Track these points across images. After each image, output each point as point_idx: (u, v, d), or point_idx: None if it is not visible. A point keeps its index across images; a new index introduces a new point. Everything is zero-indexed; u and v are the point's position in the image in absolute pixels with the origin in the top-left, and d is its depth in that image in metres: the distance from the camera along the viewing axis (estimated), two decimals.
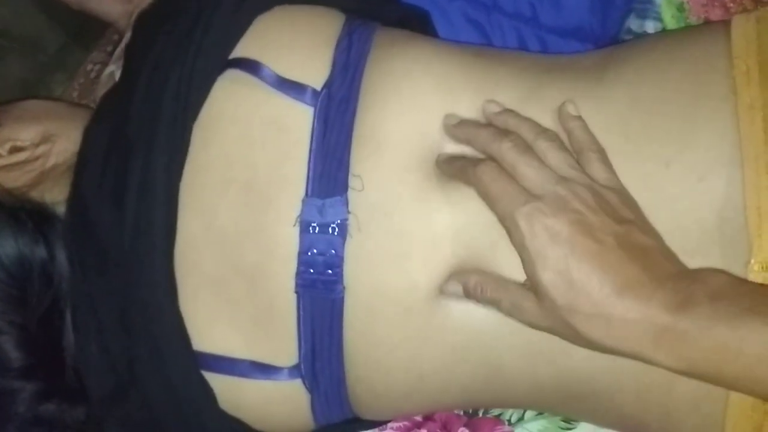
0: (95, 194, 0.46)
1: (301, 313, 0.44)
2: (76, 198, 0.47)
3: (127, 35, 0.61)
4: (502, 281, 0.41)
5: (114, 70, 0.61)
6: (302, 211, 0.43)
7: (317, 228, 0.43)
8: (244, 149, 0.44)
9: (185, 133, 0.45)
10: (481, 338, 0.43)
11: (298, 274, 0.43)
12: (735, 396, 0.39)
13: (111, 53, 0.78)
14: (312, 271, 0.43)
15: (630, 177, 0.41)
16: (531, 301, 0.38)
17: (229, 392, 0.46)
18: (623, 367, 0.40)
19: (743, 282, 0.37)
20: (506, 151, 0.40)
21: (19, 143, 0.50)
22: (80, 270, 0.46)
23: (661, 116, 0.42)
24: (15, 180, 0.49)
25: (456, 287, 0.42)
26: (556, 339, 0.38)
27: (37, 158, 0.50)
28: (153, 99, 0.45)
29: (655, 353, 0.35)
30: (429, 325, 0.43)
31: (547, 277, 0.36)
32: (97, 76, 0.76)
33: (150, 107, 0.45)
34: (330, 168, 0.43)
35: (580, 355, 0.40)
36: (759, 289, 0.36)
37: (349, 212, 0.43)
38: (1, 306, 0.46)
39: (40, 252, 0.47)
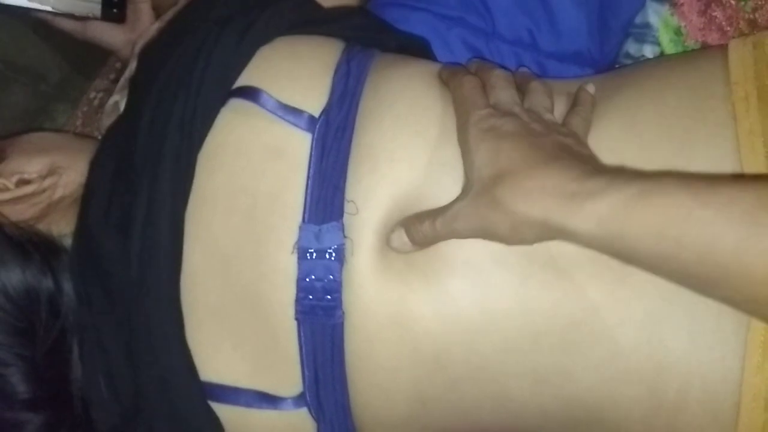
0: (101, 225, 0.46)
1: (303, 340, 0.44)
2: (82, 229, 0.48)
3: (131, 65, 0.62)
4: (433, 210, 0.42)
5: (118, 99, 0.61)
6: (299, 237, 0.43)
7: (315, 254, 0.43)
8: (246, 178, 0.45)
9: (190, 164, 0.45)
10: (485, 372, 0.43)
11: (298, 300, 0.43)
12: (744, 419, 0.39)
13: (114, 81, 0.79)
14: (311, 297, 0.43)
15: None
16: (459, 202, 0.40)
17: (236, 422, 0.46)
18: (630, 393, 0.40)
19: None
20: (496, 76, 0.45)
21: (26, 176, 0.50)
22: (87, 302, 0.47)
23: (658, 142, 0.42)
24: (22, 213, 0.49)
25: (401, 237, 0.42)
26: (562, 365, 0.38)
27: (44, 191, 0.50)
28: (157, 131, 0.45)
29: (567, 216, 0.35)
30: (428, 354, 0.43)
31: (480, 155, 0.40)
32: (101, 104, 0.77)
33: (155, 139, 0.45)
34: (326, 194, 0.44)
35: (587, 382, 0.41)
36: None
37: (345, 237, 0.43)
38: (8, 338, 0.46)
39: (48, 284, 0.47)
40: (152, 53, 0.52)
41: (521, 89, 0.46)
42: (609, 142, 0.43)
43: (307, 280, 0.43)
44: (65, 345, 0.47)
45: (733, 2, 0.55)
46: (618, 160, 0.42)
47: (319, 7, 0.54)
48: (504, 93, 0.44)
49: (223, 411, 0.45)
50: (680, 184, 0.33)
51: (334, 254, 0.43)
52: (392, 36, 0.56)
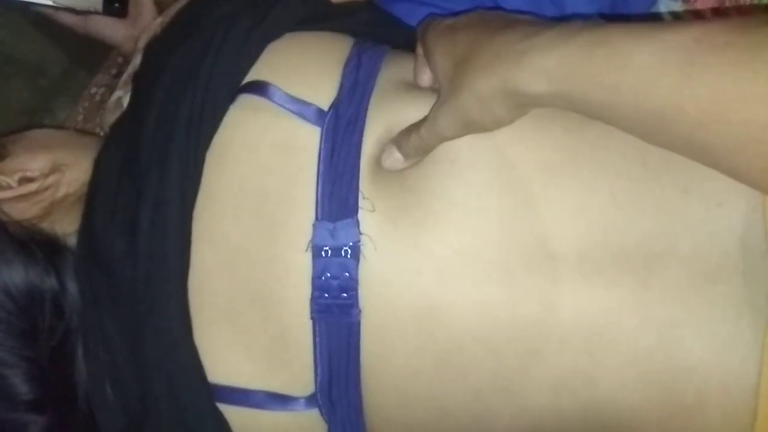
0: (107, 224, 0.45)
1: (318, 339, 0.43)
2: (87, 228, 0.47)
3: (135, 60, 0.61)
4: (417, 121, 0.42)
5: (121, 95, 0.60)
6: (313, 235, 0.43)
7: (330, 251, 0.42)
8: (255, 175, 0.44)
9: (198, 162, 0.44)
10: (508, 381, 0.42)
11: (313, 299, 0.43)
12: (761, 423, 0.39)
13: (115, 76, 0.78)
14: (327, 295, 0.42)
15: (648, 202, 0.41)
16: (436, 105, 0.41)
17: (245, 424, 0.45)
18: (647, 396, 0.40)
19: None
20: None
21: (28, 173, 0.50)
22: (92, 302, 0.46)
23: None
24: (25, 211, 0.48)
25: (393, 154, 0.42)
26: (581, 371, 0.38)
27: (47, 189, 0.49)
28: (165, 128, 0.45)
29: (519, 76, 0.36)
30: (451, 359, 0.42)
31: (439, 52, 0.41)
32: (102, 100, 0.76)
33: (162, 137, 0.45)
34: (339, 190, 0.43)
35: (604, 386, 0.40)
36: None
37: (361, 233, 0.42)
38: (11, 339, 0.45)
39: (51, 284, 0.46)
40: (158, 48, 0.51)
41: None
42: (631, 142, 0.42)
43: (323, 278, 0.42)
44: (69, 346, 0.47)
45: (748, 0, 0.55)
46: (639, 161, 0.42)
47: (328, 2, 0.53)
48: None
49: (232, 413, 0.45)
50: (623, 33, 0.33)
51: (350, 251, 0.42)
52: (401, 31, 0.55)
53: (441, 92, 0.41)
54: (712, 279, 0.40)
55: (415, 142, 0.41)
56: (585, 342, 0.41)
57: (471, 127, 0.40)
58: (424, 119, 0.41)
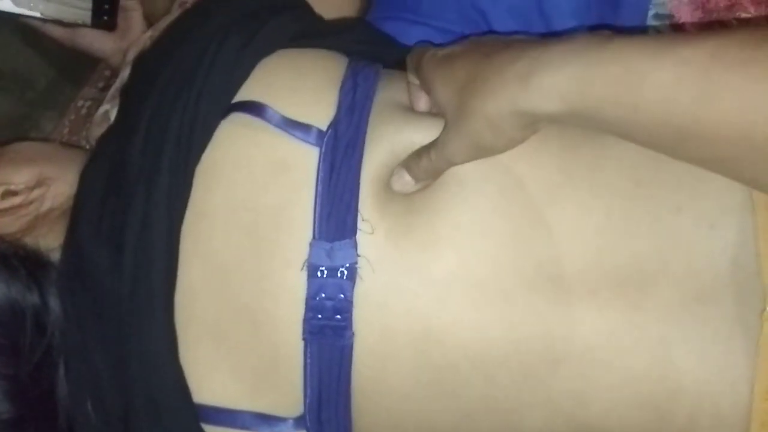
0: (92, 238, 0.44)
1: (308, 360, 0.42)
2: (72, 243, 0.46)
3: (123, 74, 0.60)
4: (427, 145, 0.42)
5: (108, 108, 0.59)
6: (310, 254, 0.42)
7: (326, 272, 0.42)
8: (248, 192, 0.43)
9: (187, 178, 0.44)
10: (501, 403, 0.42)
11: (306, 320, 0.42)
12: None
13: (102, 89, 0.77)
14: (320, 316, 0.42)
15: (641, 222, 0.41)
16: (444, 131, 0.40)
17: None
18: (640, 418, 0.40)
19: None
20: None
21: (12, 187, 0.49)
22: (75, 318, 0.45)
23: (671, 162, 0.42)
24: (8, 226, 0.47)
25: (403, 177, 0.42)
26: (575, 392, 0.37)
27: (31, 202, 0.48)
28: (153, 143, 0.44)
29: (530, 96, 0.35)
30: (445, 381, 0.42)
31: (439, 83, 0.41)
32: (88, 113, 0.75)
33: (150, 151, 0.44)
34: (338, 210, 0.42)
35: (599, 407, 0.40)
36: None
37: (359, 255, 0.42)
38: None
39: (33, 300, 0.45)
40: (147, 62, 0.51)
41: None
42: (625, 161, 0.42)
43: (317, 299, 0.42)
44: (51, 363, 0.46)
45: (734, 23, 0.55)
46: (632, 180, 0.42)
47: (321, 19, 0.53)
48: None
49: None
50: (636, 49, 0.33)
51: (346, 272, 0.42)
52: (394, 50, 0.55)
53: (447, 119, 0.40)
54: (704, 299, 0.40)
55: (425, 165, 0.41)
56: (578, 363, 0.41)
57: (483, 151, 0.39)
58: (434, 143, 0.41)
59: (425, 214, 0.42)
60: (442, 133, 0.41)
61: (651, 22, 0.61)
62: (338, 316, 0.42)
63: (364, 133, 0.44)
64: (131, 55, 0.62)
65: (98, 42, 0.69)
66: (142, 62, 0.52)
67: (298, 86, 0.46)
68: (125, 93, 0.52)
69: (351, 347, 0.42)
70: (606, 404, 0.38)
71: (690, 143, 0.32)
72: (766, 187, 0.33)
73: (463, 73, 0.39)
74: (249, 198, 0.43)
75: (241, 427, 0.43)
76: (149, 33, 0.65)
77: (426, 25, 0.60)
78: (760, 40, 0.31)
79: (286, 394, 0.43)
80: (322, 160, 0.43)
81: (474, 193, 0.42)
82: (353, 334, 0.42)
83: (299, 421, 0.44)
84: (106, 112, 0.60)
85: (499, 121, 0.37)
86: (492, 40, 0.41)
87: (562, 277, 0.41)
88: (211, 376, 0.43)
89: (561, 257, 0.41)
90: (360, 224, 0.42)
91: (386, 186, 0.43)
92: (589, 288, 0.41)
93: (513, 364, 0.41)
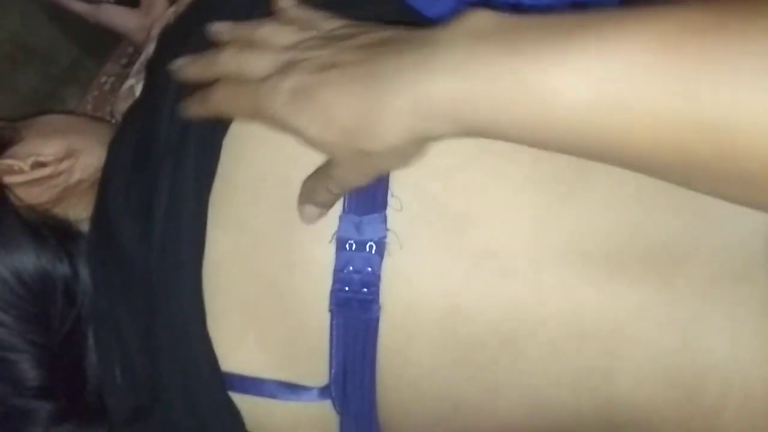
0: (120, 210, 0.45)
1: (334, 332, 0.43)
2: (100, 213, 0.46)
3: (147, 49, 0.61)
4: (319, 175, 0.39)
5: (134, 83, 0.60)
6: (339, 227, 0.42)
7: (354, 245, 0.42)
8: (278, 165, 0.43)
9: (215, 149, 0.44)
10: (527, 378, 0.42)
11: (333, 292, 0.42)
12: None
13: (125, 66, 0.77)
14: (347, 289, 0.42)
15: (673, 198, 0.40)
16: (335, 170, 0.37)
17: (256, 414, 0.45)
18: (668, 396, 0.40)
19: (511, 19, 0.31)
20: (225, 60, 0.39)
21: (41, 158, 0.49)
22: (104, 288, 0.45)
23: None
24: (38, 196, 0.47)
25: (311, 209, 0.41)
26: (603, 368, 0.37)
27: (60, 173, 0.49)
28: (181, 115, 0.44)
29: (424, 122, 0.31)
30: (471, 358, 0.42)
31: (314, 131, 0.35)
32: (111, 89, 0.76)
33: (178, 123, 0.44)
34: (368, 185, 0.42)
35: (626, 384, 0.40)
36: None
37: (387, 230, 0.42)
38: (21, 324, 0.45)
39: (63, 269, 0.46)
40: (172, 36, 0.51)
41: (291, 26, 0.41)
42: None
43: (345, 271, 0.42)
44: (80, 333, 0.46)
45: None
46: None
47: None
48: (255, 62, 0.38)
49: (244, 402, 0.44)
50: (537, 52, 0.27)
51: (374, 247, 0.42)
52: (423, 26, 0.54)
53: (336, 157, 0.37)
54: (736, 278, 0.39)
55: (325, 199, 0.40)
56: (607, 339, 0.40)
57: (383, 172, 0.38)
58: (327, 177, 0.38)
59: (458, 190, 0.42)
60: (333, 168, 0.37)
61: None
62: (365, 290, 0.42)
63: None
64: (156, 31, 0.62)
65: (121, 18, 0.70)
66: (166, 36, 0.52)
67: None
68: (150, 67, 0.53)
69: (377, 321, 0.42)
70: (633, 381, 0.38)
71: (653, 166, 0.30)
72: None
73: (343, 113, 0.34)
74: (278, 170, 0.43)
75: (267, 395, 0.44)
76: (173, 8, 0.65)
77: None
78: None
79: (311, 364, 0.44)
80: None
81: (508, 164, 0.41)
82: (380, 307, 0.42)
83: (324, 390, 0.44)
84: (132, 87, 0.60)
85: (399, 151, 0.34)
86: (337, 48, 0.36)
87: (593, 252, 0.40)
88: (238, 345, 0.44)
89: (592, 232, 0.40)
90: (389, 200, 0.42)
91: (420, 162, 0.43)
92: (620, 264, 0.40)
93: (542, 340, 0.41)
